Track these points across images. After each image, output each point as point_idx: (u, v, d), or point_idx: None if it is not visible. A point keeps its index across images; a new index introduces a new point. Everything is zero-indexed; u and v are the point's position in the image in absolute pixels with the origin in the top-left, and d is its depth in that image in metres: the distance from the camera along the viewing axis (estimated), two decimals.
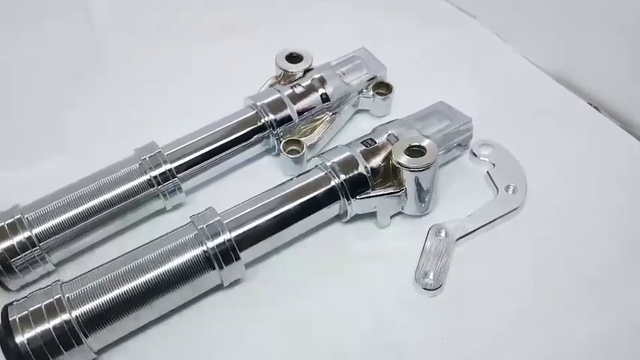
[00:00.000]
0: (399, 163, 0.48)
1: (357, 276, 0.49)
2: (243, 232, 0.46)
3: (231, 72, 0.68)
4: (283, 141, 0.56)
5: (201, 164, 0.54)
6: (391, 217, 0.52)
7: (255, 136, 0.56)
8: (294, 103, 0.57)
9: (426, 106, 0.58)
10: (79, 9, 0.76)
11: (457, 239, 0.49)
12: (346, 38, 0.69)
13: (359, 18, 0.77)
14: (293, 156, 0.55)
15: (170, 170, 0.52)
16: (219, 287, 0.48)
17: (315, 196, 0.49)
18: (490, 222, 0.50)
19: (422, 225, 0.52)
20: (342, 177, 0.49)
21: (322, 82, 0.59)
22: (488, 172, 0.54)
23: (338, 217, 0.52)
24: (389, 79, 0.63)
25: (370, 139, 0.52)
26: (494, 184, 0.53)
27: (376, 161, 0.50)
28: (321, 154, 0.52)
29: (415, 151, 0.49)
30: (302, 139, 0.57)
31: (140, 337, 0.46)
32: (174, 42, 0.73)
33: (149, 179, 0.51)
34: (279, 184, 0.50)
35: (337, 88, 0.59)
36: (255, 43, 0.72)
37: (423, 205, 0.51)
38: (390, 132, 0.52)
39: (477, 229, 0.50)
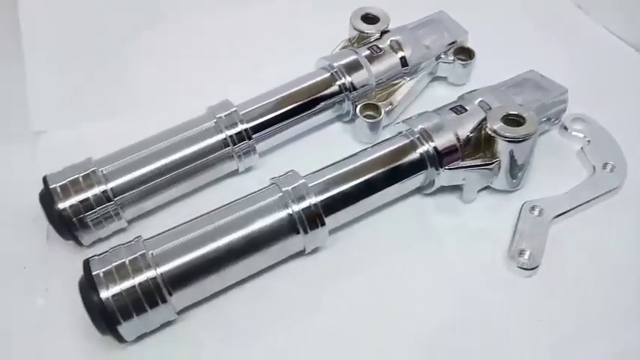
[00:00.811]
0: (494, 132, 0.45)
1: (440, 251, 0.46)
2: (329, 197, 0.43)
3: (299, 33, 0.65)
4: (359, 105, 0.53)
5: (275, 126, 0.51)
6: (478, 190, 0.49)
7: (330, 99, 0.53)
8: (372, 66, 0.54)
9: (506, 76, 0.54)
10: None
11: (553, 218, 0.46)
12: (421, 1, 0.65)
13: None
14: (370, 121, 0.52)
15: (246, 130, 0.49)
16: (298, 254, 0.45)
17: (402, 164, 0.46)
18: (587, 202, 0.47)
19: (510, 201, 0.49)
20: (432, 145, 0.46)
21: (400, 44, 0.55)
22: (582, 148, 0.51)
23: (419, 189, 0.49)
24: (474, 50, 0.58)
25: (460, 105, 0.48)
26: (590, 162, 0.49)
27: (467, 129, 0.47)
28: (406, 120, 0.48)
29: (512, 121, 0.46)
30: (379, 103, 0.53)
31: (217, 301, 0.43)
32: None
33: (224, 138, 0.48)
34: (363, 150, 0.47)
35: (416, 51, 0.56)
36: (323, 2, 0.68)
37: (514, 180, 0.48)
38: (480, 99, 0.48)
39: (574, 208, 0.46)
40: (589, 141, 0.51)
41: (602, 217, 0.47)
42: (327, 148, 0.54)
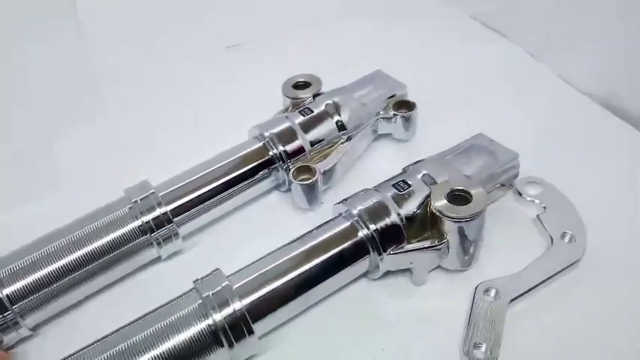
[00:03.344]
0: (439, 212, 0.41)
1: (391, 345, 0.41)
2: (257, 300, 0.38)
3: (238, 98, 0.61)
4: (293, 168, 0.49)
5: (202, 205, 0.47)
6: (429, 271, 0.44)
7: (262, 171, 0.49)
8: (306, 132, 0.50)
9: (458, 132, 0.51)
10: (69, 29, 0.68)
11: (510, 301, 0.42)
12: (366, 59, 0.62)
13: (381, 37, 0.70)
14: (305, 183, 0.48)
15: (165, 214, 0.44)
16: None
17: (340, 252, 0.41)
18: (546, 280, 0.43)
19: (464, 280, 0.44)
20: (372, 227, 0.41)
21: (336, 106, 0.52)
22: (538, 216, 0.47)
23: (366, 274, 0.44)
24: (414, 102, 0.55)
25: (402, 181, 0.44)
26: (547, 231, 0.46)
27: (411, 207, 0.43)
28: (346, 199, 0.44)
29: (458, 197, 0.42)
30: (314, 165, 0.49)
31: None
32: (173, 66, 0.65)
33: (141, 225, 0.43)
34: (297, 238, 0.42)
35: (354, 111, 0.52)
36: (265, 66, 0.64)
37: (466, 257, 0.43)
38: (424, 172, 0.44)
39: (533, 288, 0.42)
40: (545, 207, 0.47)
41: (562, 294, 0.42)
42: (265, 219, 0.50)
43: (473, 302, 0.42)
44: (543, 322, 0.41)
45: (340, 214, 0.44)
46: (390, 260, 0.42)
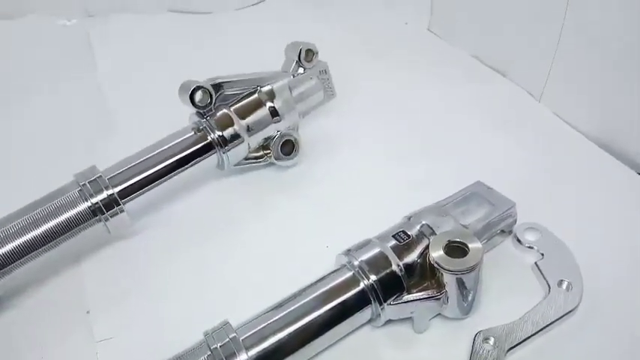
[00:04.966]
0: (437, 264, 0.42)
1: None
2: (263, 351, 0.40)
3: None
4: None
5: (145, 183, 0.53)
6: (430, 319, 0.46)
7: (201, 155, 0.55)
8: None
9: (455, 170, 0.55)
10: (88, 79, 0.73)
11: (508, 350, 0.43)
12: (368, 94, 0.65)
13: (380, 74, 0.72)
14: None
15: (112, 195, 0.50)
16: None
17: (343, 302, 0.43)
18: (545, 327, 0.44)
19: (465, 328, 0.45)
20: (372, 278, 0.43)
21: (271, 95, 0.57)
22: (536, 263, 0.48)
23: (368, 322, 0.46)
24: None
25: (402, 231, 0.46)
26: (545, 279, 0.47)
27: (411, 257, 0.44)
28: (348, 250, 0.46)
29: (455, 248, 0.43)
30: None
31: None
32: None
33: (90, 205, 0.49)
34: (301, 289, 0.44)
35: (285, 103, 0.58)
36: None
37: (466, 305, 0.45)
38: (423, 222, 0.46)
39: (531, 336, 0.43)
40: (542, 254, 0.49)
41: (558, 343, 0.44)
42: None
43: (472, 350, 0.43)
44: None
45: (343, 265, 0.45)
46: (391, 310, 0.43)
